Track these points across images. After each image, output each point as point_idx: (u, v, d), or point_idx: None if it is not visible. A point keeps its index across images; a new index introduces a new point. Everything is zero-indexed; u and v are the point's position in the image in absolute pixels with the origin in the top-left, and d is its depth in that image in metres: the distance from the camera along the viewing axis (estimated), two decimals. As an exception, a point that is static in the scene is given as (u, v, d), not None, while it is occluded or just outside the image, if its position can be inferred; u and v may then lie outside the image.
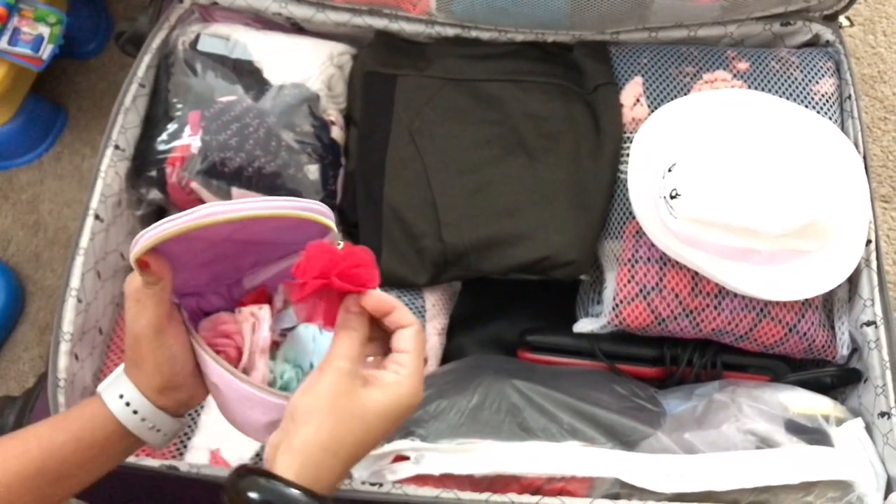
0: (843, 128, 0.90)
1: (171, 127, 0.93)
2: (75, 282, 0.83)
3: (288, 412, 0.50)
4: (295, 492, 0.46)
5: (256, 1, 0.99)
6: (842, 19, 0.96)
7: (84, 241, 0.85)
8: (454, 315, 0.95)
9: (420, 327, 0.53)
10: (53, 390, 0.79)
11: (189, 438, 0.86)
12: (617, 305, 0.83)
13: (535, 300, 0.96)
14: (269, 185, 0.92)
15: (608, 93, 0.92)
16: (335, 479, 0.49)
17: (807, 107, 0.89)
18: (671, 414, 0.79)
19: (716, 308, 0.81)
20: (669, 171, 0.80)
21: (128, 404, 0.55)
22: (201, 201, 0.92)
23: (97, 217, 0.87)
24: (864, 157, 0.86)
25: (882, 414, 0.77)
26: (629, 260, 0.84)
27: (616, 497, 0.72)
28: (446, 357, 0.92)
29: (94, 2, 1.38)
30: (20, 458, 0.53)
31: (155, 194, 0.94)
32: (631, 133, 0.90)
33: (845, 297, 0.86)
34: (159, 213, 0.99)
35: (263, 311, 0.57)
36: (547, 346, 0.88)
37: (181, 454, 0.86)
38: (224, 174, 0.92)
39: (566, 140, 0.92)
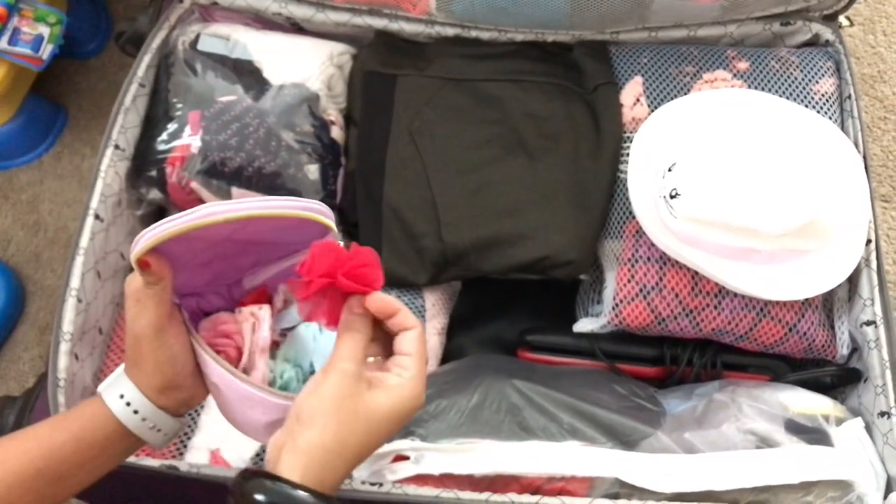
0: (843, 127, 0.90)
1: (171, 127, 0.93)
2: (75, 282, 0.83)
3: (293, 413, 0.50)
4: (302, 493, 0.46)
5: (256, 1, 0.99)
6: (842, 19, 0.96)
7: (84, 240, 0.85)
8: (454, 315, 0.95)
9: (422, 330, 0.53)
10: (53, 390, 0.79)
11: (189, 438, 0.86)
12: (617, 305, 0.83)
13: (535, 300, 0.96)
14: (269, 184, 0.92)
15: (608, 92, 0.93)
16: (338, 480, 0.49)
17: (807, 106, 0.89)
18: (671, 414, 0.79)
19: (716, 308, 0.81)
20: (669, 170, 0.80)
21: (128, 404, 0.55)
22: (201, 201, 0.92)
23: (97, 217, 0.87)
24: (864, 157, 0.86)
25: (882, 413, 0.77)
26: (629, 259, 0.84)
27: (616, 497, 0.72)
28: (446, 357, 0.92)
29: (94, 2, 1.38)
30: (20, 459, 0.53)
31: (155, 194, 0.94)
32: (631, 133, 0.90)
33: (845, 296, 0.86)
34: (159, 213, 0.99)
35: (263, 311, 0.57)
36: (547, 346, 0.88)
37: (181, 454, 0.86)
38: (224, 174, 0.92)
39: (566, 140, 0.92)
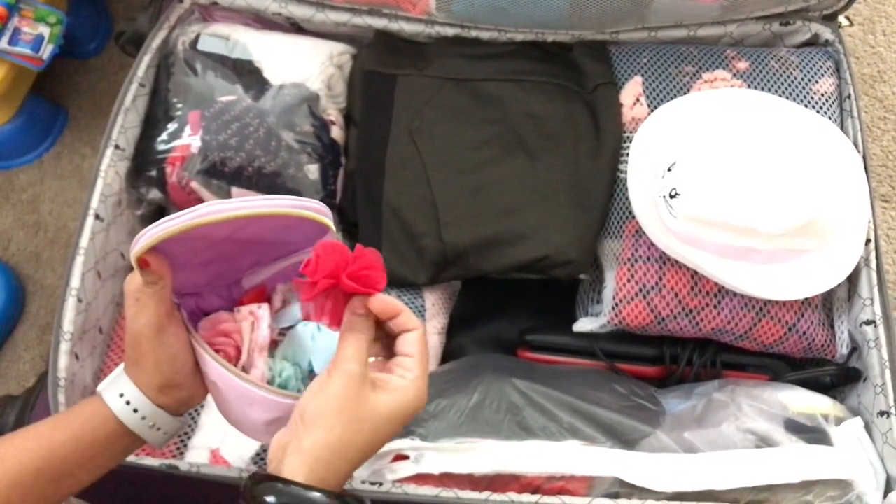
0: (842, 127, 0.90)
1: (171, 126, 0.93)
2: (75, 281, 0.83)
3: (297, 413, 0.50)
4: (316, 494, 0.47)
5: (256, 1, 0.99)
6: (841, 19, 0.96)
7: (84, 240, 0.85)
8: (454, 314, 0.95)
9: (424, 331, 0.53)
10: (54, 390, 0.79)
11: (189, 438, 0.86)
12: (616, 305, 0.83)
13: (535, 299, 0.96)
14: (269, 184, 0.92)
15: (608, 92, 0.93)
16: (342, 481, 0.49)
17: (806, 106, 0.89)
18: (671, 413, 0.79)
19: (715, 307, 0.81)
20: (669, 170, 0.80)
21: (128, 403, 0.55)
22: (201, 201, 0.92)
23: (97, 217, 0.87)
24: (864, 157, 0.86)
25: (881, 413, 0.77)
26: (629, 259, 0.84)
27: (616, 496, 0.72)
28: (446, 356, 0.92)
29: (94, 2, 1.38)
30: (20, 458, 0.53)
31: (155, 194, 0.94)
32: (631, 132, 0.90)
33: (845, 296, 0.86)
34: (159, 212, 0.99)
35: (262, 310, 0.57)
36: (547, 346, 0.88)
37: (181, 454, 0.86)
38: (224, 174, 0.92)
39: (566, 140, 0.92)
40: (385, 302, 0.52)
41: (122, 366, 0.56)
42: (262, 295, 0.59)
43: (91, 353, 0.87)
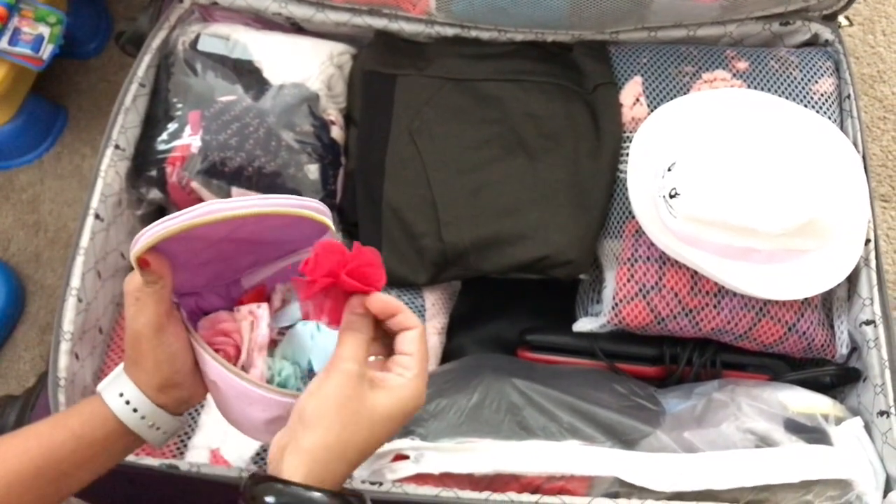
0: (842, 127, 0.90)
1: (172, 126, 0.93)
2: (75, 281, 0.83)
3: (295, 414, 0.50)
4: (317, 494, 0.47)
5: (256, 1, 0.99)
6: (841, 19, 0.96)
7: (84, 240, 0.85)
8: (454, 314, 0.95)
9: (423, 330, 0.53)
10: (54, 389, 0.79)
11: (189, 438, 0.86)
12: (616, 304, 0.83)
13: (535, 299, 0.96)
14: (270, 184, 0.92)
15: (608, 92, 0.93)
16: (341, 480, 0.49)
17: (806, 106, 0.89)
18: (671, 413, 0.79)
19: (715, 307, 0.81)
20: (669, 170, 0.80)
21: (127, 402, 0.55)
22: (201, 201, 0.92)
23: (97, 217, 0.87)
24: (864, 157, 0.86)
25: (881, 413, 0.77)
26: (629, 259, 0.84)
27: (615, 496, 0.72)
28: (446, 356, 0.92)
29: (95, 2, 1.39)
30: (20, 457, 0.53)
31: (155, 194, 0.94)
32: (630, 132, 0.90)
33: (844, 296, 0.86)
34: (159, 212, 0.99)
35: (262, 310, 0.57)
36: (547, 346, 0.88)
37: (181, 453, 0.86)
38: (224, 174, 0.92)
39: (566, 140, 0.92)
40: (383, 301, 0.52)
41: (121, 365, 0.56)
42: (262, 294, 0.60)
43: (91, 352, 0.87)
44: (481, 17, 0.96)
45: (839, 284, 0.82)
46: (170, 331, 0.54)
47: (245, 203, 0.50)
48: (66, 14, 1.22)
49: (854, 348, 0.85)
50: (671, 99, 0.89)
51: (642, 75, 0.92)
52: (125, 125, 0.93)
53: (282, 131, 0.92)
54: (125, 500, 0.82)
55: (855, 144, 0.87)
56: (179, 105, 0.94)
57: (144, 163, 0.93)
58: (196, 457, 0.84)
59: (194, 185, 0.92)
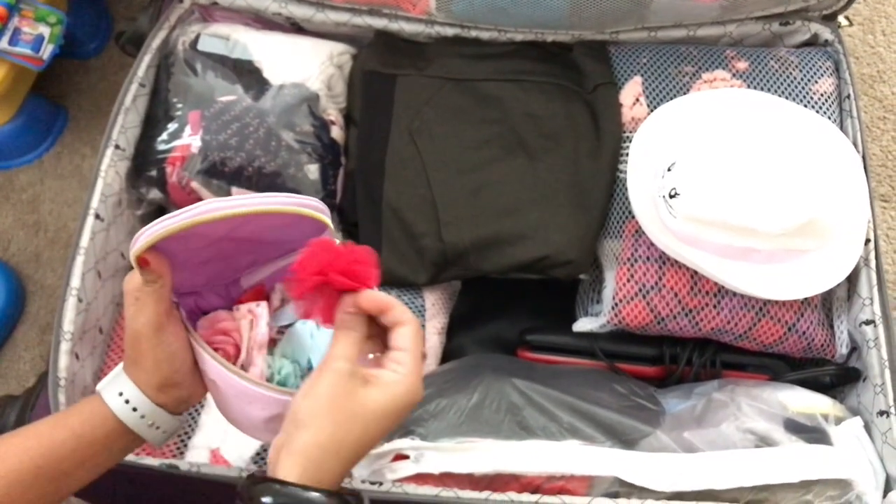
0: (842, 127, 0.90)
1: (172, 126, 0.93)
2: (76, 281, 0.83)
3: (290, 415, 0.50)
4: (314, 494, 0.47)
5: (256, 1, 0.99)
6: (841, 19, 0.96)
7: (84, 240, 0.85)
8: (454, 314, 0.95)
9: (418, 324, 0.53)
10: (54, 389, 0.79)
11: (189, 438, 0.86)
12: (616, 304, 0.83)
13: (535, 299, 0.96)
14: (270, 184, 0.92)
15: (608, 92, 0.93)
16: (337, 479, 0.49)
17: (806, 106, 0.89)
18: (670, 413, 0.79)
19: (715, 307, 0.81)
20: (669, 170, 0.80)
21: (127, 402, 0.55)
22: (201, 200, 0.93)
23: (97, 217, 0.87)
24: (864, 157, 0.86)
25: (881, 413, 0.77)
26: (628, 259, 0.84)
27: (615, 496, 0.72)
28: (446, 356, 0.92)
29: (95, 2, 1.39)
30: (20, 457, 0.53)
31: (155, 194, 0.94)
32: (630, 132, 0.90)
33: (844, 296, 0.86)
34: (159, 212, 0.99)
35: (261, 308, 0.57)
36: (547, 346, 0.88)
37: (181, 453, 0.86)
38: (224, 174, 0.92)
39: (566, 140, 0.92)
40: (375, 298, 0.52)
41: (121, 365, 0.56)
42: (261, 294, 0.60)
43: (91, 352, 0.87)
44: (481, 17, 0.96)
45: (839, 284, 0.82)
46: (169, 330, 0.54)
47: (244, 201, 0.50)
48: (66, 14, 1.22)
49: (854, 348, 0.85)
50: (671, 99, 0.89)
51: (642, 75, 0.92)
52: (125, 125, 0.93)
53: (282, 131, 0.92)
54: (125, 499, 0.82)
55: (855, 144, 0.87)
56: (179, 105, 0.94)
57: (144, 163, 0.93)
58: (196, 457, 0.84)
59: (194, 185, 0.92)
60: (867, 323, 0.81)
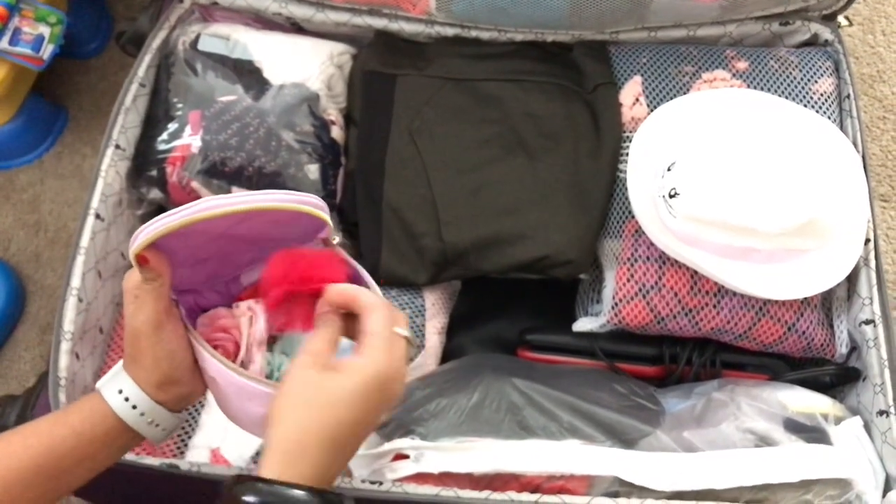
0: (841, 127, 0.90)
1: (172, 126, 0.94)
2: (76, 281, 0.83)
3: (268, 415, 0.50)
4: (297, 492, 0.47)
5: (256, 1, 0.99)
6: (841, 19, 0.96)
7: (85, 240, 0.85)
8: (454, 314, 0.95)
9: (386, 307, 0.53)
10: (54, 389, 0.79)
11: (189, 437, 0.86)
12: (616, 304, 0.83)
13: (535, 299, 0.96)
14: (270, 184, 0.92)
15: (608, 92, 0.93)
16: (323, 470, 0.49)
17: (806, 106, 0.89)
18: (670, 412, 0.79)
19: (715, 307, 0.81)
20: (669, 170, 0.80)
21: (127, 399, 0.55)
22: (201, 200, 0.93)
23: (98, 216, 0.87)
24: (863, 157, 0.86)
25: (880, 412, 0.77)
26: (628, 259, 0.84)
27: (615, 495, 0.72)
28: (446, 356, 0.92)
29: (95, 2, 1.38)
30: (20, 455, 0.53)
31: (155, 194, 0.94)
32: (630, 132, 0.90)
33: (844, 295, 0.86)
34: (160, 212, 0.96)
35: (260, 305, 0.57)
36: (547, 345, 0.88)
37: (181, 453, 0.86)
38: (224, 174, 0.92)
39: (566, 139, 0.92)
40: (339, 291, 0.53)
41: (120, 362, 0.56)
42: (261, 291, 0.60)
43: (91, 352, 0.87)
44: (481, 17, 0.96)
45: (839, 284, 0.82)
46: (168, 328, 0.54)
47: (243, 198, 0.51)
48: (66, 14, 1.22)
49: (853, 348, 0.85)
50: (671, 99, 0.89)
51: (642, 75, 0.92)
52: (125, 125, 0.93)
53: (282, 131, 0.92)
54: (125, 499, 0.82)
55: (855, 144, 0.87)
56: (180, 105, 0.94)
57: (145, 163, 0.93)
58: (196, 456, 0.84)
59: (194, 184, 0.92)
60: (867, 323, 0.81)
